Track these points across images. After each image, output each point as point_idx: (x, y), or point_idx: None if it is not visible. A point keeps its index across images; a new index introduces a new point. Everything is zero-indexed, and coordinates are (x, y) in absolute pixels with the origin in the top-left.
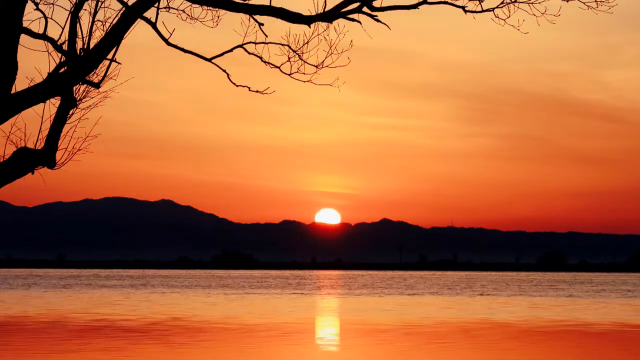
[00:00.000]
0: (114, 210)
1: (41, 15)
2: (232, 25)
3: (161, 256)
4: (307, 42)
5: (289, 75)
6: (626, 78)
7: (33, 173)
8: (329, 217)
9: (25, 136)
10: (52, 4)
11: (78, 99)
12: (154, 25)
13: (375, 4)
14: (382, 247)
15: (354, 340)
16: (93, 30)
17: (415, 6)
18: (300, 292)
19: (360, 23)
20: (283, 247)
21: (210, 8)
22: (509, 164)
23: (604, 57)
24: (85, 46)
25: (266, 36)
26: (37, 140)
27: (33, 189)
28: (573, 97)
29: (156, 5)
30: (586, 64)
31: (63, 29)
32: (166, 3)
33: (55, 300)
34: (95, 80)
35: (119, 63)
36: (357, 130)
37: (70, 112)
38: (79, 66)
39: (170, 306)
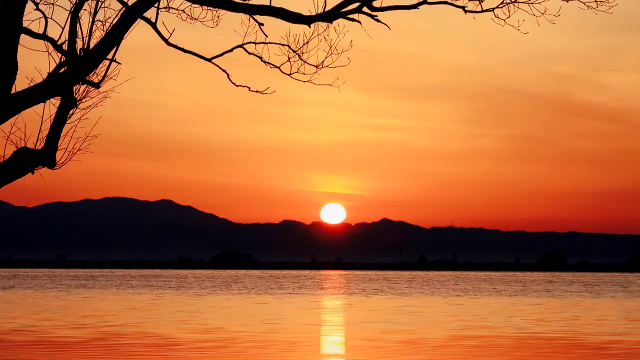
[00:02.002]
0: (114, 210)
1: (41, 15)
2: (232, 25)
3: (161, 256)
4: (307, 42)
5: (289, 75)
6: (627, 80)
7: (33, 173)
8: (329, 217)
9: (25, 136)
10: (52, 4)
11: (78, 99)
12: (154, 25)
13: (375, 4)
14: (382, 247)
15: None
16: (93, 30)
17: (415, 6)
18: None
19: (360, 23)
20: (283, 247)
21: (210, 8)
22: (509, 165)
23: (606, 59)
24: (85, 46)
25: (266, 36)
26: (37, 140)
27: (33, 189)
28: (574, 98)
29: (156, 5)
30: (588, 65)
31: (63, 29)
32: (166, 3)
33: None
34: (95, 80)
35: (119, 63)
36: (357, 131)
37: (70, 112)
38: (79, 66)
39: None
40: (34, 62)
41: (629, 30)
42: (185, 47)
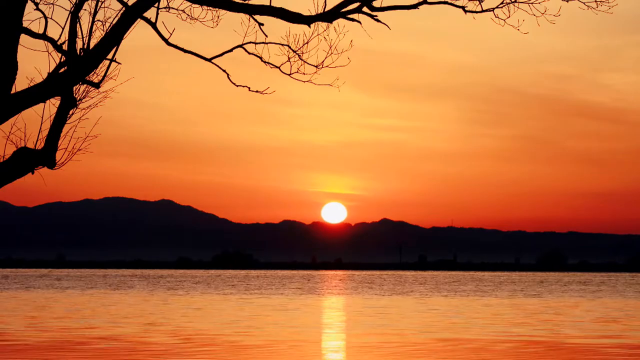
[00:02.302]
0: (114, 210)
1: (41, 15)
2: (232, 25)
3: (161, 256)
4: (307, 42)
5: (289, 75)
6: (627, 80)
7: (33, 173)
8: (329, 217)
9: (25, 136)
10: (52, 4)
11: (78, 99)
12: (154, 25)
13: (375, 4)
14: (382, 247)
15: None
16: (93, 30)
17: (415, 6)
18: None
19: (360, 23)
20: (283, 247)
21: (210, 8)
22: (509, 165)
23: (606, 59)
24: (85, 46)
25: (266, 36)
26: (37, 140)
27: (33, 189)
28: (574, 98)
29: (156, 5)
30: (588, 65)
31: (63, 29)
32: (166, 3)
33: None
34: (95, 80)
35: (119, 63)
36: (357, 131)
37: (70, 112)
38: (79, 66)
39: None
40: (34, 62)
41: (629, 30)
42: (185, 47)
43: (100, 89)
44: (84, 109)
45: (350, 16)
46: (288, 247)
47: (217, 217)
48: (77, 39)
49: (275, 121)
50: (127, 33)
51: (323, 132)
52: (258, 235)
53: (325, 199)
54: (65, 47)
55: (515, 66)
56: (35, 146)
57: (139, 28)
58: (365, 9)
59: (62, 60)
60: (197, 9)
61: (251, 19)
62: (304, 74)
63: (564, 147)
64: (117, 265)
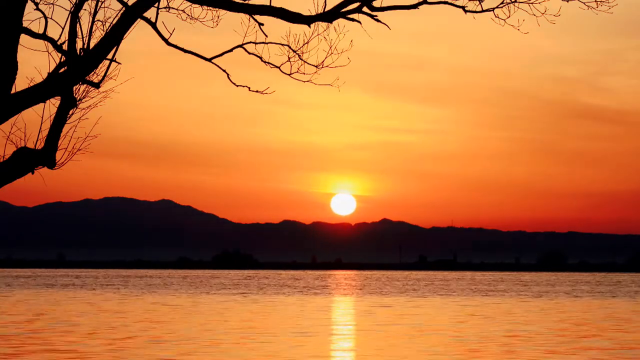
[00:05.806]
0: (114, 210)
1: (41, 15)
2: (232, 25)
3: (161, 256)
4: (307, 42)
5: (289, 75)
6: (629, 83)
7: (33, 173)
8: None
9: (25, 136)
10: (52, 4)
11: (78, 99)
12: (154, 25)
13: (375, 4)
14: (382, 247)
15: None
16: (93, 30)
17: (415, 6)
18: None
19: (360, 23)
20: (283, 247)
21: (210, 8)
22: (509, 165)
23: (608, 62)
24: (85, 46)
25: (266, 36)
26: (37, 140)
27: (33, 189)
28: (575, 100)
29: (156, 5)
30: (590, 68)
31: (63, 29)
32: (166, 3)
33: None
34: (95, 80)
35: (119, 63)
36: (357, 131)
37: (70, 112)
38: (79, 66)
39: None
40: (34, 62)
41: (631, 33)
42: (185, 47)
43: (100, 89)
44: (84, 109)
45: (350, 16)
46: (288, 247)
47: (217, 217)
48: (77, 39)
49: (275, 121)
50: (127, 33)
51: (323, 132)
52: (258, 235)
53: (325, 199)
54: (65, 47)
55: (517, 68)
56: (35, 146)
57: (139, 28)
58: (365, 9)
59: (62, 60)
60: (197, 9)
61: (251, 19)
62: (304, 74)
63: (564, 148)
64: (117, 265)
